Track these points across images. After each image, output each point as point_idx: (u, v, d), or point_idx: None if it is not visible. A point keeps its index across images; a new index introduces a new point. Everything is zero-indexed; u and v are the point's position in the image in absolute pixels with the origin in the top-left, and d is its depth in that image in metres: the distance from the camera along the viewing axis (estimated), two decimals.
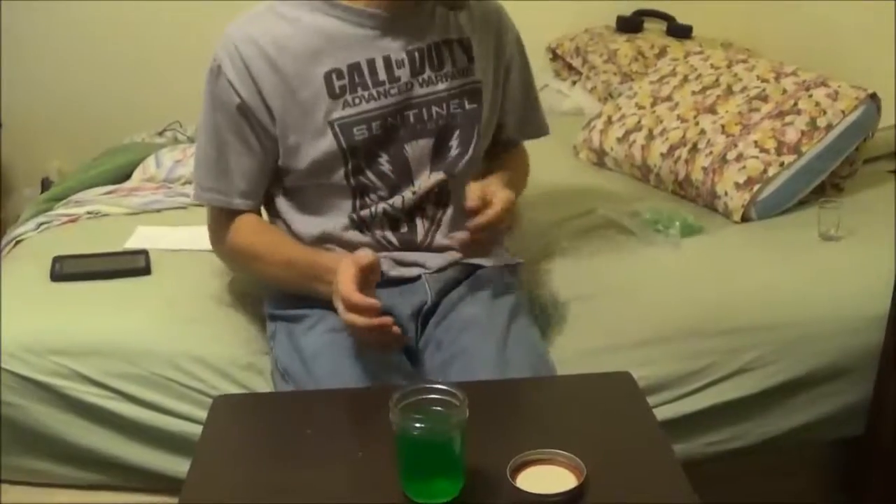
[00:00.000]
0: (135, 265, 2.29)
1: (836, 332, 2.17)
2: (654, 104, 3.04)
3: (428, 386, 1.36)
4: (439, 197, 1.97)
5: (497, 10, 2.07)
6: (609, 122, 3.11)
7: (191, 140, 3.37)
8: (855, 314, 2.19)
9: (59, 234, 2.59)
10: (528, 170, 2.22)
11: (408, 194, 1.93)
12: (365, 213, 1.92)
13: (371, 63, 1.86)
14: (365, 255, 1.70)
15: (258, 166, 1.91)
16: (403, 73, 1.88)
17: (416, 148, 1.92)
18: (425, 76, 1.90)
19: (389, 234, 1.94)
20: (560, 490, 1.32)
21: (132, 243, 2.46)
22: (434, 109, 1.92)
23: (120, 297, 2.18)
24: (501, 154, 2.15)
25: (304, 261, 1.87)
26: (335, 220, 1.93)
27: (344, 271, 1.66)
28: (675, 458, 1.44)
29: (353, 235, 1.93)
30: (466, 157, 1.98)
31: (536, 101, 2.22)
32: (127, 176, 3.05)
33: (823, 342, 2.17)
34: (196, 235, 2.49)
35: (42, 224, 2.65)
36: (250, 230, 1.94)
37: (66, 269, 2.25)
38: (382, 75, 1.86)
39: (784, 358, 2.15)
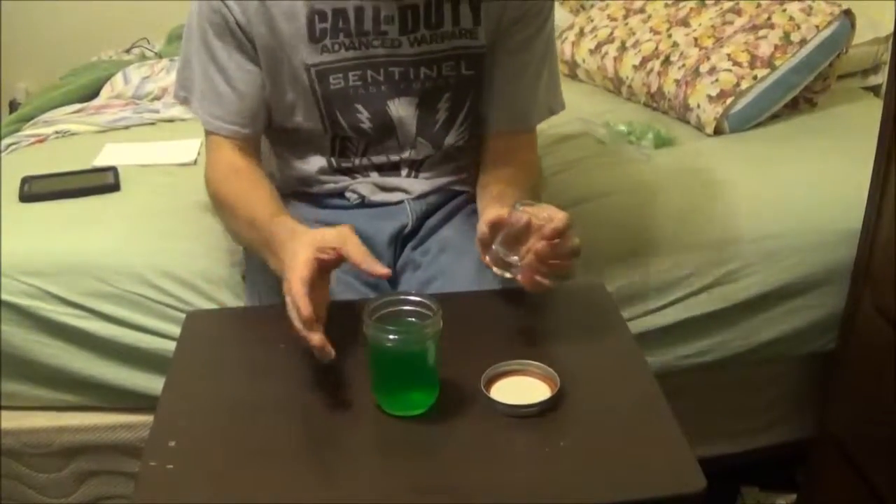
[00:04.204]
0: (104, 182, 2.27)
1: (809, 246, 2.18)
2: (626, 16, 3.01)
3: (401, 297, 1.35)
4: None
5: None
6: (581, 33, 3.09)
7: (158, 56, 3.33)
8: (827, 228, 2.20)
9: (27, 154, 2.56)
10: (535, 190, 1.81)
11: (393, 156, 1.83)
12: (346, 164, 1.84)
13: (359, 11, 1.67)
14: (327, 244, 1.40)
15: (260, 82, 1.73)
16: (391, 30, 1.69)
17: (401, 106, 1.77)
18: (418, 35, 1.70)
19: (372, 173, 1.87)
20: (534, 401, 1.32)
21: (101, 161, 2.43)
22: (423, 70, 1.74)
23: (90, 214, 2.16)
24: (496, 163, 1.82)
25: (264, 225, 1.57)
26: (314, 164, 1.85)
27: (298, 262, 1.37)
28: (648, 368, 1.44)
29: (330, 178, 1.86)
30: (455, 127, 1.83)
31: (528, 89, 1.83)
32: (95, 94, 3.03)
33: (795, 256, 2.18)
34: (165, 150, 2.48)
35: (10, 145, 2.62)
36: (231, 170, 1.75)
37: (35, 189, 2.23)
38: (368, 25, 1.68)
39: (756, 272, 2.17)
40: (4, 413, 2.05)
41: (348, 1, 1.67)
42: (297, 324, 1.33)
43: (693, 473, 1.21)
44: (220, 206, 1.77)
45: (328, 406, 1.35)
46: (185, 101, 1.83)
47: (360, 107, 1.75)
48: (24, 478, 2.09)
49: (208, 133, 1.79)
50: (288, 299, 1.36)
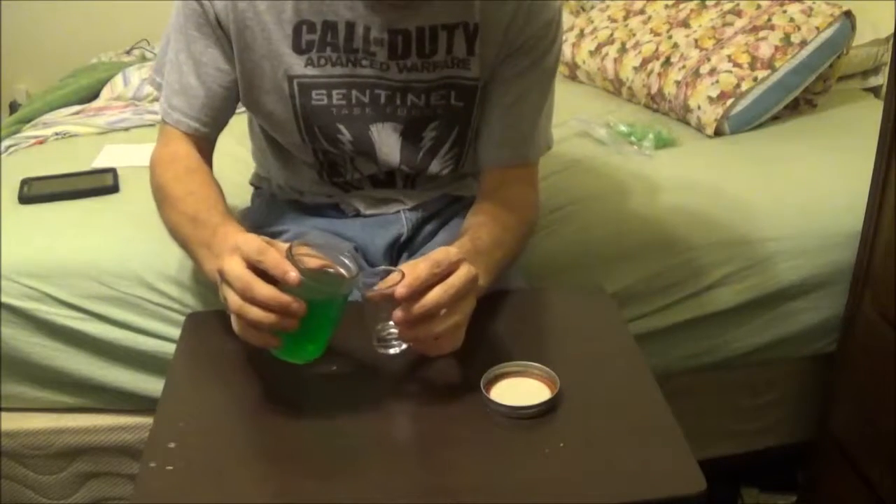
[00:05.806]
0: (103, 184, 2.27)
1: (809, 248, 2.18)
2: (626, 17, 3.02)
3: (342, 259, 1.32)
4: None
5: (548, 21, 1.68)
6: (581, 35, 3.09)
7: None
8: (828, 230, 2.19)
9: (26, 156, 2.56)
10: (523, 229, 1.71)
11: (379, 176, 1.80)
12: (338, 179, 1.82)
13: (350, 28, 1.60)
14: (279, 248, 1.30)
15: (230, 84, 1.67)
16: (380, 53, 1.61)
17: (384, 131, 1.71)
18: (408, 62, 1.63)
19: (365, 186, 1.85)
20: (534, 402, 1.32)
21: (100, 162, 2.44)
22: (410, 97, 1.67)
23: (89, 216, 2.16)
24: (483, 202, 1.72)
25: (208, 224, 1.51)
26: (305, 175, 1.83)
27: (249, 237, 1.30)
28: (648, 370, 1.44)
29: (322, 190, 1.85)
30: (438, 156, 1.77)
31: (525, 121, 1.75)
32: (94, 95, 3.04)
33: (796, 258, 2.17)
34: None
35: (10, 147, 2.62)
36: (183, 168, 1.66)
37: (34, 191, 2.23)
38: (358, 44, 1.61)
39: (756, 273, 2.16)
40: (4, 415, 2.05)
41: (339, 16, 1.60)
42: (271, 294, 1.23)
43: (693, 475, 1.21)
44: (164, 198, 1.65)
45: (328, 406, 1.35)
46: (158, 87, 1.76)
47: (341, 127, 1.69)
48: (25, 479, 2.09)
49: (164, 124, 1.71)
50: (246, 278, 1.25)
